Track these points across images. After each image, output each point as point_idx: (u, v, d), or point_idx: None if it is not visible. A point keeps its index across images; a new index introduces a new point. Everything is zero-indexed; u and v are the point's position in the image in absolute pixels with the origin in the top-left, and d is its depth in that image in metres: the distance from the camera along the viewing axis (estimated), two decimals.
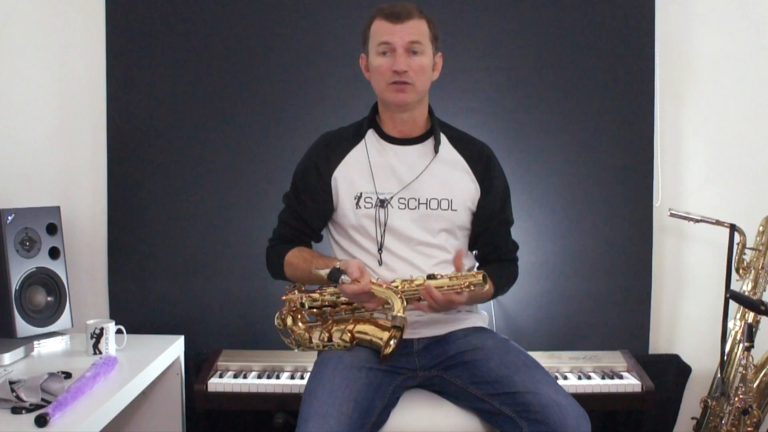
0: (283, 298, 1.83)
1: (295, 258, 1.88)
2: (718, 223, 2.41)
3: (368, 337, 1.76)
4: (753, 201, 2.60)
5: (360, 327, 1.77)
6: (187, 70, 2.64)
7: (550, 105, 2.65)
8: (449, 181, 1.87)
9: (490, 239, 1.93)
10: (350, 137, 1.92)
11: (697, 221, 2.43)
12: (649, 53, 2.63)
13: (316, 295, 1.81)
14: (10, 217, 2.27)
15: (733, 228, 2.39)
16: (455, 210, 1.86)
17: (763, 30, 2.65)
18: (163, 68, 2.64)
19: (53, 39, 2.63)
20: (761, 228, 2.44)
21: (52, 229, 2.37)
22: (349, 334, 1.77)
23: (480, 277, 1.70)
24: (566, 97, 2.65)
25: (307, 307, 1.81)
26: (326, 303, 1.80)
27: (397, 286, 1.71)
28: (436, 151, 1.87)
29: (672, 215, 2.47)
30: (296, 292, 1.83)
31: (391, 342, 1.69)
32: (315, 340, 1.81)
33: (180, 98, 2.65)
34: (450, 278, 1.70)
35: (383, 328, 1.73)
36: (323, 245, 2.01)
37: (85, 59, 2.64)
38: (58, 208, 2.41)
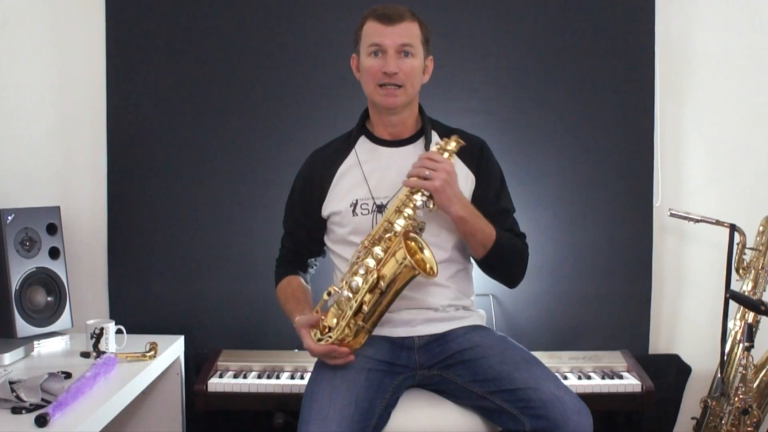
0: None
1: (282, 289, 1.95)
2: (718, 223, 2.41)
3: (400, 266, 1.64)
4: (753, 201, 2.60)
5: (383, 271, 1.67)
6: (187, 70, 2.64)
7: (550, 105, 2.65)
8: None
9: None
10: (341, 148, 1.93)
11: (697, 221, 2.43)
12: (649, 53, 2.63)
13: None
14: (10, 217, 2.27)
15: (733, 228, 2.39)
16: None
17: (764, 30, 2.65)
18: (163, 68, 2.64)
19: (53, 39, 2.63)
20: (761, 228, 2.44)
21: (52, 229, 2.38)
22: (374, 273, 1.65)
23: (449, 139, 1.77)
24: (566, 97, 2.65)
25: (334, 297, 1.71)
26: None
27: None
28: (427, 149, 1.85)
29: (672, 215, 2.47)
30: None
31: (425, 253, 1.66)
32: (350, 302, 1.66)
33: (180, 98, 2.64)
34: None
35: (401, 251, 1.64)
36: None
37: (85, 59, 2.64)
38: (58, 208, 2.41)
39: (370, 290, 1.66)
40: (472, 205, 1.78)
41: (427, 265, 1.68)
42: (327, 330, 1.70)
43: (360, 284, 1.66)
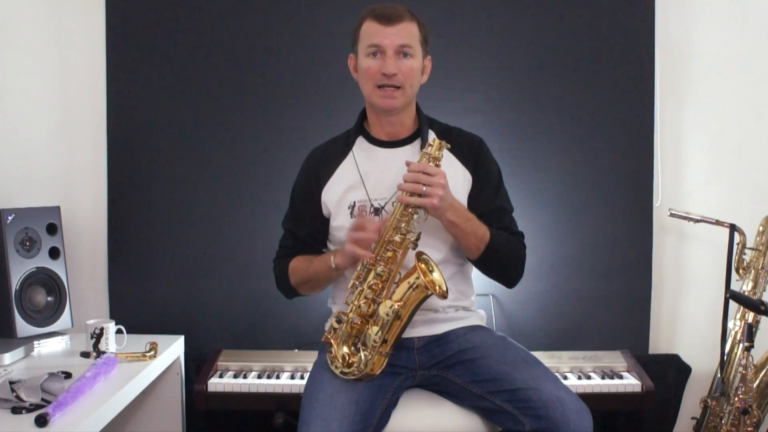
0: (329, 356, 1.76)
1: (297, 262, 1.90)
2: (718, 223, 2.41)
3: (414, 290, 1.67)
4: (753, 201, 2.60)
5: (396, 296, 1.69)
6: (187, 71, 2.64)
7: (550, 105, 2.65)
8: None
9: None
10: (339, 149, 1.92)
11: (697, 221, 2.43)
12: (649, 53, 2.64)
13: (341, 316, 1.74)
14: (10, 217, 2.27)
15: (733, 228, 2.39)
16: None
17: (763, 30, 2.65)
18: (163, 68, 2.64)
19: (53, 39, 2.63)
20: (761, 228, 2.44)
21: (52, 229, 2.38)
22: (392, 305, 1.68)
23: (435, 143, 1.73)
24: (566, 97, 2.65)
25: (344, 325, 1.72)
26: (352, 319, 1.72)
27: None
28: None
29: (672, 215, 2.47)
30: (331, 337, 1.75)
31: (434, 275, 1.67)
32: (373, 336, 1.68)
33: (180, 98, 2.65)
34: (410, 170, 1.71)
35: (415, 274, 1.67)
36: None
37: (85, 59, 2.64)
38: (58, 208, 2.41)
39: (391, 322, 1.68)
40: (464, 208, 1.77)
41: (437, 286, 1.69)
42: (348, 362, 1.71)
43: (381, 316, 1.68)
